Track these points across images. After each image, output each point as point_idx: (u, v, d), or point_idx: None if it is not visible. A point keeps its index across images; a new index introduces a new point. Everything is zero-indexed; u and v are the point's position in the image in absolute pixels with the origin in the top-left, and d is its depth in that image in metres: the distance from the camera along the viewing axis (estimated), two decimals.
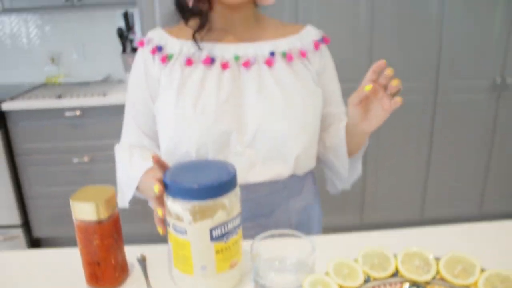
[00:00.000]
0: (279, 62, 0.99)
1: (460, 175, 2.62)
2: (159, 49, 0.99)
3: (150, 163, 0.94)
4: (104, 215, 0.75)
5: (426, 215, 2.69)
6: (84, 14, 2.83)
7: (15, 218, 2.50)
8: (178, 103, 0.94)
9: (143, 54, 1.02)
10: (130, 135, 1.07)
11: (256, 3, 1.03)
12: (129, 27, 2.37)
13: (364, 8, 2.26)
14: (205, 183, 0.69)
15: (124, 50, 2.37)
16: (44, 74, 2.89)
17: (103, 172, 2.46)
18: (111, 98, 2.36)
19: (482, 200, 2.69)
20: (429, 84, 2.41)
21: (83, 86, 2.70)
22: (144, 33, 2.25)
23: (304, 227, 1.05)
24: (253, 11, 1.03)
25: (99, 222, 0.75)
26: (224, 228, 0.71)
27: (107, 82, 2.83)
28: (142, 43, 1.03)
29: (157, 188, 0.72)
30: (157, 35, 1.02)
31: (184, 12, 1.00)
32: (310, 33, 1.05)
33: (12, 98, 2.39)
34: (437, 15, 2.30)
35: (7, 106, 2.33)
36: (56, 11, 2.79)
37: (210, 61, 0.97)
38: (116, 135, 2.31)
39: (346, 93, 1.04)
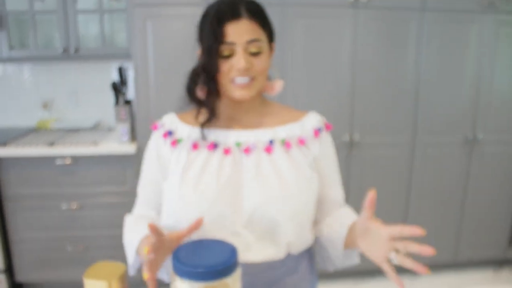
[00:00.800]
0: (277, 149, 1.04)
1: (436, 223, 2.72)
2: (169, 133, 1.07)
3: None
4: None
5: None
6: (80, 65, 2.87)
7: None
8: (181, 186, 1.00)
9: (156, 137, 1.10)
10: (140, 209, 1.14)
11: (261, 92, 1.10)
12: (123, 80, 2.46)
13: (348, 74, 2.40)
14: (211, 267, 0.77)
15: (117, 102, 2.45)
16: (36, 118, 2.89)
17: (90, 218, 2.48)
18: (102, 148, 2.39)
19: (458, 248, 2.80)
20: (407, 139, 2.56)
21: (74, 132, 2.74)
22: (138, 87, 2.33)
23: None
24: (260, 100, 1.10)
25: None
26: None
27: (97, 130, 2.87)
28: (155, 127, 1.12)
29: (146, 250, 0.80)
30: (169, 120, 1.11)
31: (194, 101, 1.05)
32: (311, 121, 1.10)
33: (5, 144, 2.40)
34: (413, 78, 2.48)
35: None
36: (52, 61, 2.83)
37: (214, 147, 1.03)
38: (104, 183, 2.37)
39: None
